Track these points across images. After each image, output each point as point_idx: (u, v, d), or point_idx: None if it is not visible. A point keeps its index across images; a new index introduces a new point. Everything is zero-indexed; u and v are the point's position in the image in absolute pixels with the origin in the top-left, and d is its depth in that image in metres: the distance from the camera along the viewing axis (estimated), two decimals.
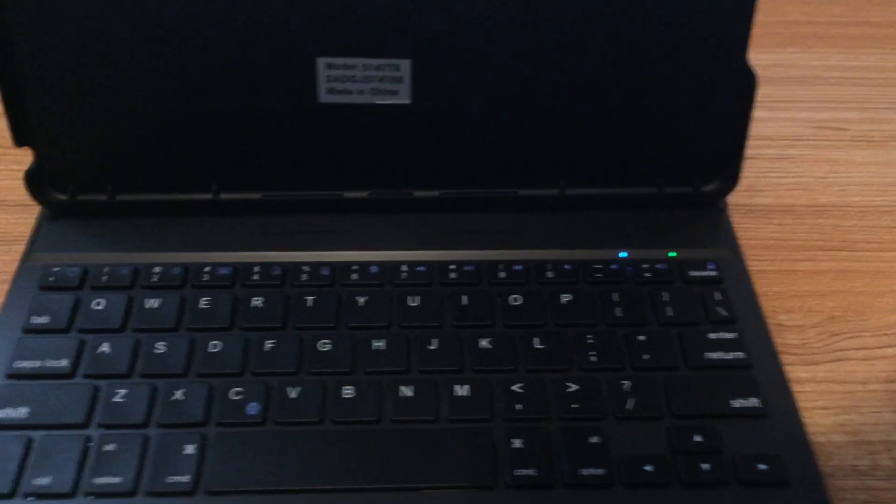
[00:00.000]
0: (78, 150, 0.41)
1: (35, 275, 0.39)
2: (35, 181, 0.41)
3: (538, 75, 0.40)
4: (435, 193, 0.43)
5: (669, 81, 0.40)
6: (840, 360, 0.39)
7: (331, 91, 0.39)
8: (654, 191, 0.43)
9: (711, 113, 0.41)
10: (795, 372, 0.38)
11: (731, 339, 0.38)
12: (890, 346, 0.39)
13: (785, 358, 0.38)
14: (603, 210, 0.43)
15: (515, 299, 0.40)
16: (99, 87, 0.39)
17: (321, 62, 0.38)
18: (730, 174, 0.43)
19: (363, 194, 0.42)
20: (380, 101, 0.39)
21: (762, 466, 0.34)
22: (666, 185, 0.43)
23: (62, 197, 0.41)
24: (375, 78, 0.39)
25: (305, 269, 0.40)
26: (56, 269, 0.39)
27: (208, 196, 0.42)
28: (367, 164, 0.42)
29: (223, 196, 0.42)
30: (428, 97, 0.40)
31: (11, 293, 0.39)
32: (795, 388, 0.37)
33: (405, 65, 0.39)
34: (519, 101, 0.40)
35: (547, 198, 0.43)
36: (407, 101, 0.40)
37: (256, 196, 0.42)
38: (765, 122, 0.51)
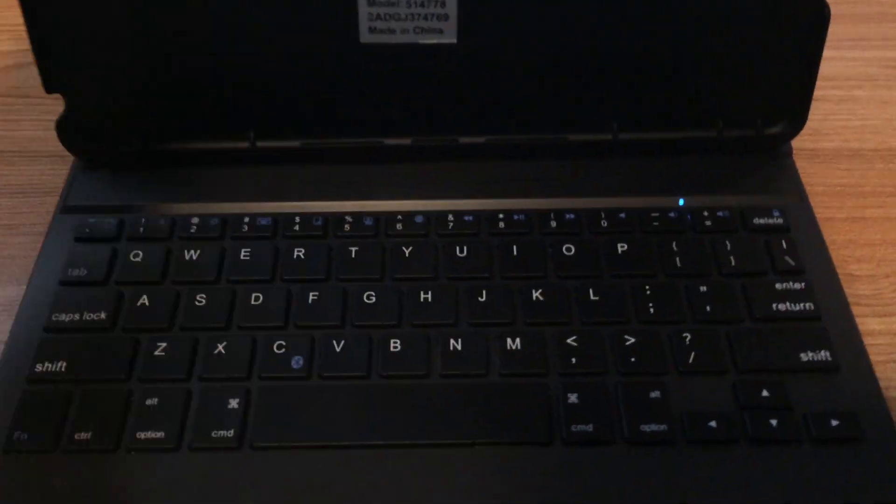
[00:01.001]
0: (110, 96, 0.39)
1: (70, 226, 0.38)
2: (67, 130, 0.39)
3: (590, 11, 0.37)
4: (481, 140, 0.40)
5: (731, 13, 0.37)
6: None
7: (373, 30, 0.37)
8: (713, 134, 0.40)
9: (778, 47, 0.38)
10: (867, 324, 0.36)
11: (799, 290, 0.36)
12: None
13: (856, 310, 0.36)
14: (658, 156, 0.41)
15: (568, 249, 0.38)
16: (131, 30, 0.37)
17: None
18: (797, 115, 0.40)
19: (406, 141, 0.40)
20: (424, 40, 0.37)
21: (835, 423, 0.32)
22: (726, 128, 0.40)
23: (94, 146, 0.40)
24: (420, 15, 0.37)
25: (348, 219, 0.39)
26: (92, 220, 0.38)
27: (245, 144, 0.40)
28: (411, 110, 0.40)
29: (260, 144, 0.40)
30: (475, 36, 0.37)
31: (46, 245, 0.38)
32: (867, 340, 0.34)
33: (451, 0, 0.36)
34: (569, 39, 0.38)
35: (599, 143, 0.41)
36: (453, 41, 0.37)
37: (295, 144, 0.40)
38: (829, 62, 0.47)
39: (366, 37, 0.37)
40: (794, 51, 0.38)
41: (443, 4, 0.36)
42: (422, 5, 0.36)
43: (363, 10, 0.36)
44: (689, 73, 0.39)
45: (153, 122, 0.40)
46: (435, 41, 0.37)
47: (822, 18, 0.37)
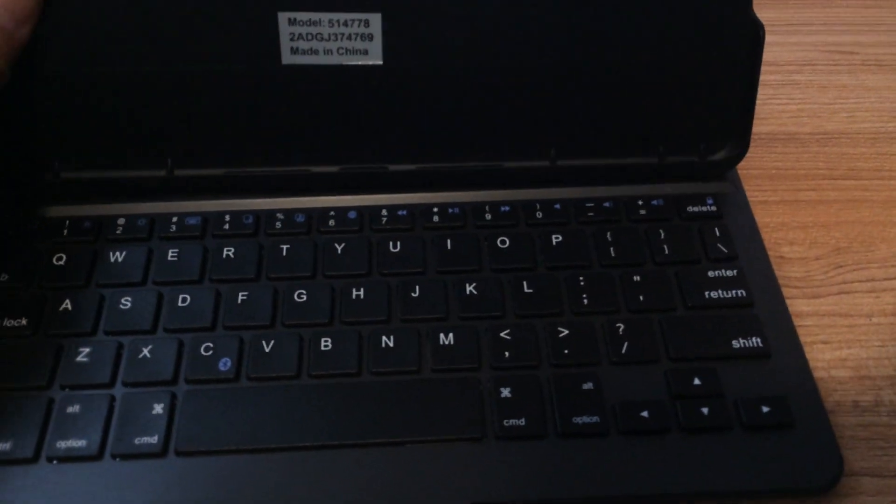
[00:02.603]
0: (7, 118, 0.36)
1: None
2: None
3: (523, 31, 0.36)
4: (412, 167, 0.39)
5: (668, 38, 0.36)
6: (844, 292, 0.37)
7: (295, 51, 0.36)
8: (654, 161, 0.39)
9: (715, 71, 0.37)
10: (797, 306, 0.36)
11: (731, 277, 0.36)
12: None
13: (786, 291, 0.36)
14: (598, 184, 0.39)
15: (503, 242, 0.37)
16: (36, 44, 0.35)
17: (283, 17, 0.35)
18: (739, 139, 0.38)
19: (333, 169, 0.39)
20: (349, 61, 0.36)
21: (766, 409, 0.32)
22: (668, 154, 0.39)
23: None
24: (344, 35, 0.35)
25: (279, 216, 0.38)
26: (12, 222, 0.37)
27: (162, 173, 0.38)
28: (338, 136, 0.38)
29: (178, 173, 0.38)
30: (401, 57, 0.36)
31: None
32: (797, 322, 0.35)
33: (375, 20, 0.35)
34: (502, 60, 0.36)
35: (536, 170, 0.39)
36: (379, 62, 0.36)
37: (217, 172, 0.38)
38: (770, 47, 0.47)
39: (288, 58, 0.36)
40: (731, 74, 0.37)
41: (367, 24, 0.35)
42: (345, 24, 0.35)
43: (284, 29, 0.35)
44: (628, 98, 0.38)
45: (64, 148, 0.37)
46: (360, 62, 0.36)
47: (757, 40, 0.36)
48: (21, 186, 0.38)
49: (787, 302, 0.35)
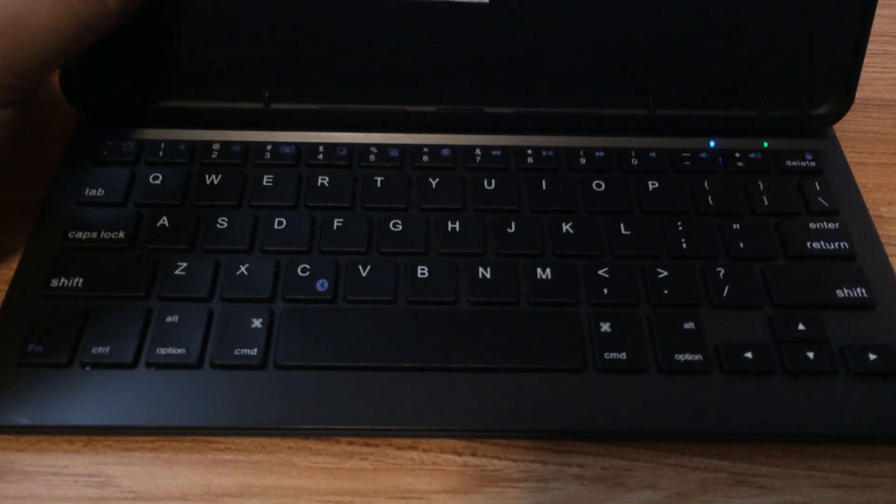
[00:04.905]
0: (113, 47, 0.36)
1: (88, 148, 0.37)
2: (70, 83, 0.37)
3: None
4: (509, 110, 0.38)
5: None
6: None
7: None
8: (755, 113, 0.38)
9: (825, 21, 0.36)
10: None
11: (833, 230, 0.35)
12: None
13: (887, 250, 0.35)
14: (696, 135, 0.39)
15: (598, 185, 0.37)
16: None
17: None
18: (843, 94, 0.38)
19: (430, 109, 0.38)
20: None
21: (873, 357, 0.31)
22: (768, 107, 0.38)
23: (98, 101, 0.37)
24: None
25: (373, 150, 0.38)
26: (110, 143, 0.37)
27: (259, 105, 0.38)
28: (436, 76, 0.38)
29: (275, 106, 0.38)
30: None
31: (63, 165, 0.37)
32: None
33: None
34: (605, 6, 0.36)
35: (633, 118, 0.39)
36: (485, 0, 0.36)
37: (313, 107, 0.38)
38: None
39: None
40: (841, 26, 0.36)
41: None
42: None
43: None
44: (730, 49, 0.37)
45: (160, 77, 0.38)
46: None
47: None
48: (120, 112, 0.38)
49: (890, 260, 0.34)
